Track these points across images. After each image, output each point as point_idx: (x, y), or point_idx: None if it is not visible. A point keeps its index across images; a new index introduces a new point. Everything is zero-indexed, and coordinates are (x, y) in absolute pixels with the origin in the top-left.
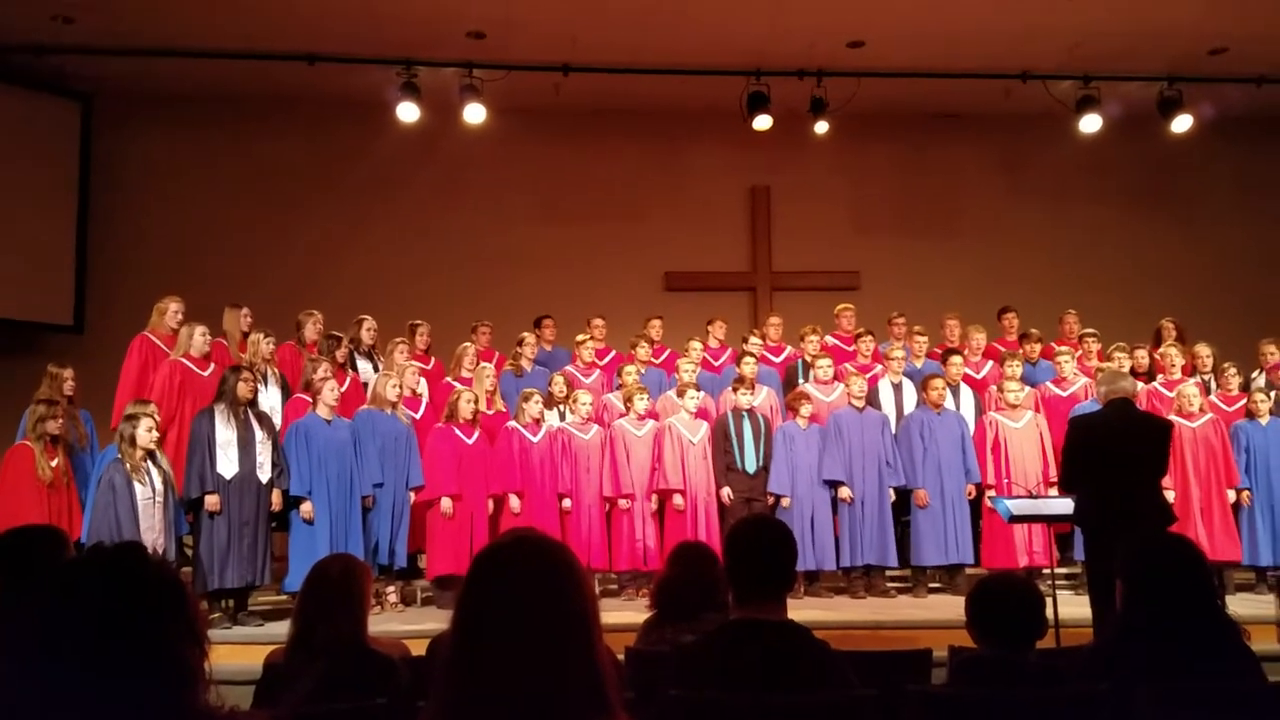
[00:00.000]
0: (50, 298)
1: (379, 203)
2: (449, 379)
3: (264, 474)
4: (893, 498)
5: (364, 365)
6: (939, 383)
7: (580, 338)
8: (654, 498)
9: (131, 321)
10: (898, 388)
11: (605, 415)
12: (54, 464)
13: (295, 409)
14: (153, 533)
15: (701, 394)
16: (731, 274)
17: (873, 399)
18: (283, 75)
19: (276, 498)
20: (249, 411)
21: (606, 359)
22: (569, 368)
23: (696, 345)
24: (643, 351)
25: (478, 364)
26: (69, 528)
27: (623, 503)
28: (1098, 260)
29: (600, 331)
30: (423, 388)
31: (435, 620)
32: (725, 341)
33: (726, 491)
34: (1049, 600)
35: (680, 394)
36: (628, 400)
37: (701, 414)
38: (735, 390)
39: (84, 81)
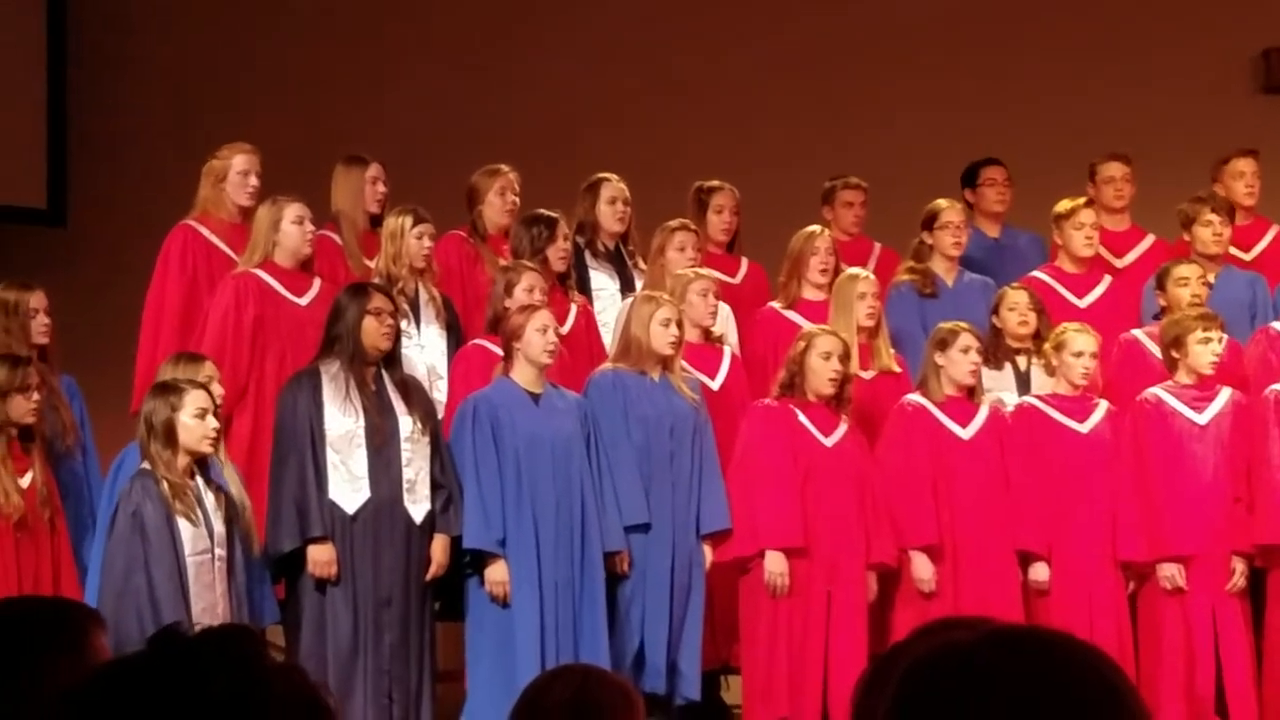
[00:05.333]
0: (7, 168)
1: None
2: (776, 304)
3: (417, 503)
4: None
5: (601, 280)
6: None
7: (1066, 206)
8: (1237, 564)
9: (147, 203)
10: None
11: (1125, 375)
12: (26, 481)
13: (472, 368)
14: (213, 617)
15: None
16: None
17: None
18: None
19: (441, 550)
20: (386, 377)
21: (1132, 254)
22: (1040, 274)
23: None
24: (1208, 235)
25: (834, 272)
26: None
27: (1166, 572)
28: None
29: (1117, 192)
30: (727, 324)
31: None
32: None
33: None
34: None
35: None
36: (1174, 344)
37: None
38: None
39: None
